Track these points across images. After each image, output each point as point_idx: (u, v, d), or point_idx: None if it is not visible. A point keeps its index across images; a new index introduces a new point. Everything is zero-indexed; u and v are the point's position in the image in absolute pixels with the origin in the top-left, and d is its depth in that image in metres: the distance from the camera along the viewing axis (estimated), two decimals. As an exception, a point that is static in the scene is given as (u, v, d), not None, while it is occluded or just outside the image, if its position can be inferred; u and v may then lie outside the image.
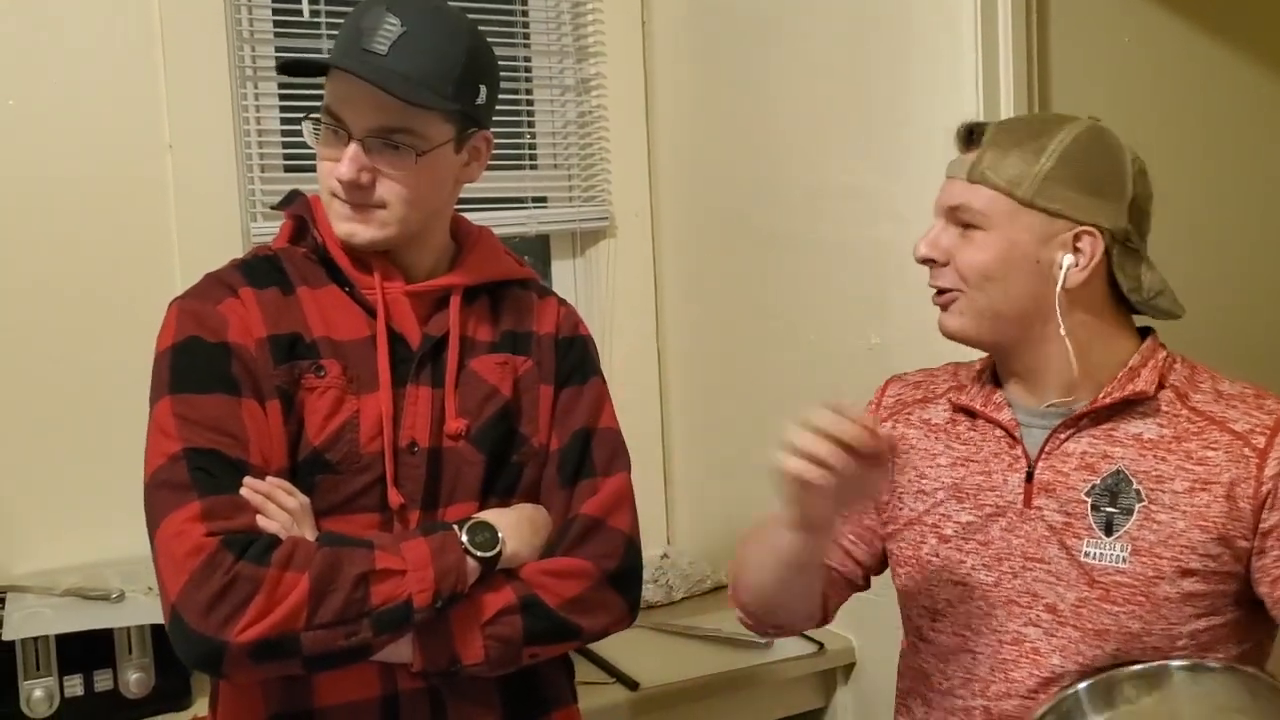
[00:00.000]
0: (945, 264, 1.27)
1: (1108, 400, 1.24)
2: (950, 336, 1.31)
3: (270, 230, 2.23)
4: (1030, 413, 1.30)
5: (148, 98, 2.16)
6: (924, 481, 1.35)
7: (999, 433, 1.31)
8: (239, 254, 2.21)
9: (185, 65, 2.18)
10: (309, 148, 2.27)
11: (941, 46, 1.89)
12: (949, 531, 1.32)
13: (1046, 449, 1.27)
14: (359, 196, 1.29)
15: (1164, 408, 1.24)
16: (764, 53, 2.29)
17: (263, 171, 2.30)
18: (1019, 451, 1.29)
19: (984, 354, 1.37)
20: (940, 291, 1.29)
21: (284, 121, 2.35)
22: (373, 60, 1.26)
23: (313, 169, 2.27)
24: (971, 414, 1.34)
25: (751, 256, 2.38)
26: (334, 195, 1.31)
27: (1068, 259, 1.22)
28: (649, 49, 2.62)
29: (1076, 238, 1.22)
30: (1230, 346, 1.43)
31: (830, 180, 2.14)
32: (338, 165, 1.28)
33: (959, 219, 1.26)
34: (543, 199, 2.60)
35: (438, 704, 1.29)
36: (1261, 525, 1.17)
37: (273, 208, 1.47)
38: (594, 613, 1.29)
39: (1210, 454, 1.20)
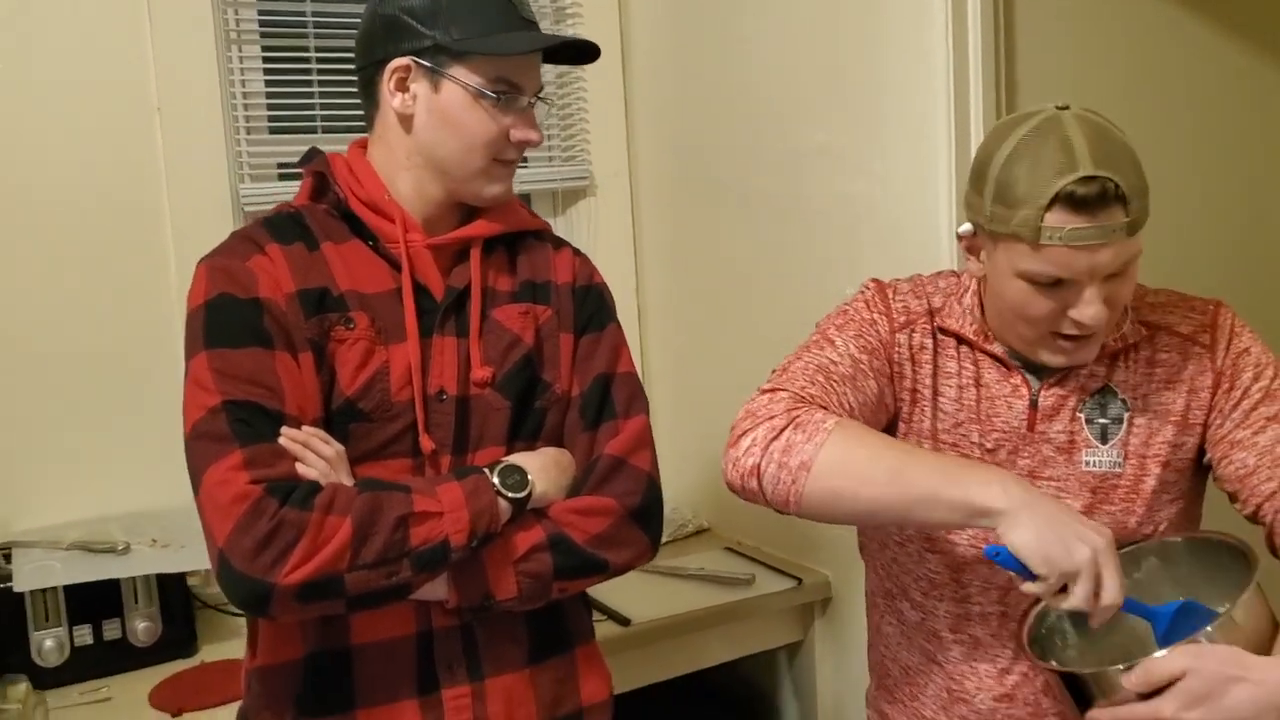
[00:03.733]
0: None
1: (1112, 349, 1.31)
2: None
3: (257, 191, 2.22)
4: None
5: (135, 61, 2.12)
6: (941, 399, 1.37)
7: (996, 360, 1.35)
8: (229, 214, 2.22)
9: (172, 28, 2.14)
10: (293, 109, 2.30)
11: (914, 6, 1.89)
12: (970, 451, 1.35)
13: (1053, 380, 1.33)
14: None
15: (1125, 327, 1.33)
16: (739, 13, 2.29)
17: (248, 133, 2.26)
18: (1018, 379, 1.34)
19: (965, 277, 1.39)
20: (1082, 336, 1.26)
21: (268, 84, 2.31)
22: (538, 27, 1.35)
23: (295, 130, 2.31)
24: (961, 340, 1.37)
25: (728, 213, 2.39)
26: (498, 159, 1.34)
27: None
28: (625, 10, 2.60)
29: None
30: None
31: (805, 138, 2.14)
32: (525, 130, 1.34)
33: (1116, 272, 1.22)
34: (523, 159, 2.58)
35: (470, 639, 1.30)
36: (1216, 403, 1.30)
37: (294, 165, 1.46)
38: (619, 548, 1.31)
39: (1166, 355, 1.32)
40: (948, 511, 1.18)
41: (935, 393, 1.36)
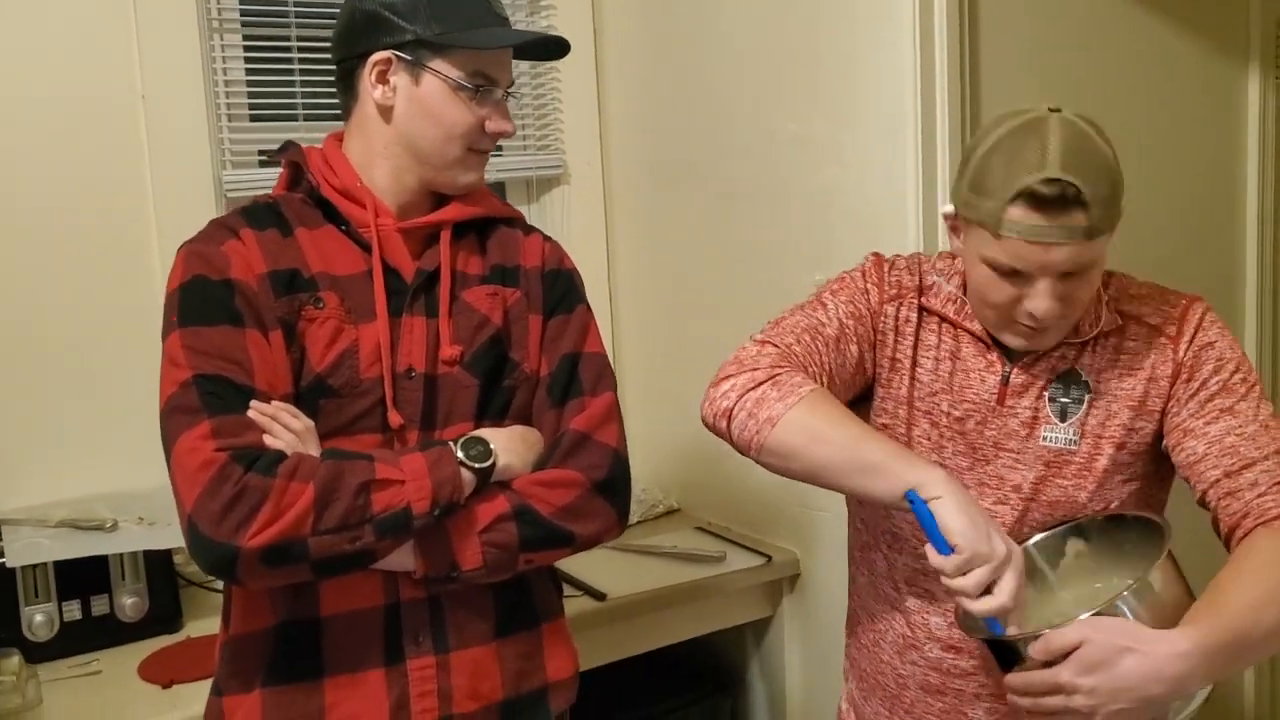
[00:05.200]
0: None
1: (1089, 336, 1.37)
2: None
3: (239, 178, 2.26)
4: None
5: (120, 49, 2.14)
6: (919, 370, 1.43)
7: (974, 337, 1.41)
8: (212, 200, 2.25)
9: (156, 16, 2.16)
10: (273, 97, 2.33)
11: (882, 3, 1.94)
12: (940, 419, 1.41)
13: (1025, 360, 1.39)
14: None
15: (1103, 318, 1.39)
16: (712, 4, 2.32)
17: (230, 120, 2.29)
18: (994, 356, 1.40)
19: (958, 260, 1.44)
20: (1039, 327, 1.32)
21: (249, 72, 2.34)
22: (510, 23, 1.40)
23: (276, 118, 2.35)
24: (942, 318, 1.43)
25: (700, 201, 2.42)
26: (473, 149, 1.38)
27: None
28: (598, 1, 2.63)
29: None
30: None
31: (778, 129, 2.18)
32: (499, 122, 1.38)
33: (1074, 272, 1.28)
34: (498, 147, 2.62)
35: (437, 612, 1.33)
36: (1175, 393, 1.35)
37: (269, 154, 1.50)
38: (585, 520, 1.33)
39: (1132, 344, 1.37)
40: (888, 482, 1.26)
41: (914, 363, 1.43)
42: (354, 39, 1.37)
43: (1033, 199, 1.23)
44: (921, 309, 1.44)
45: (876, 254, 1.51)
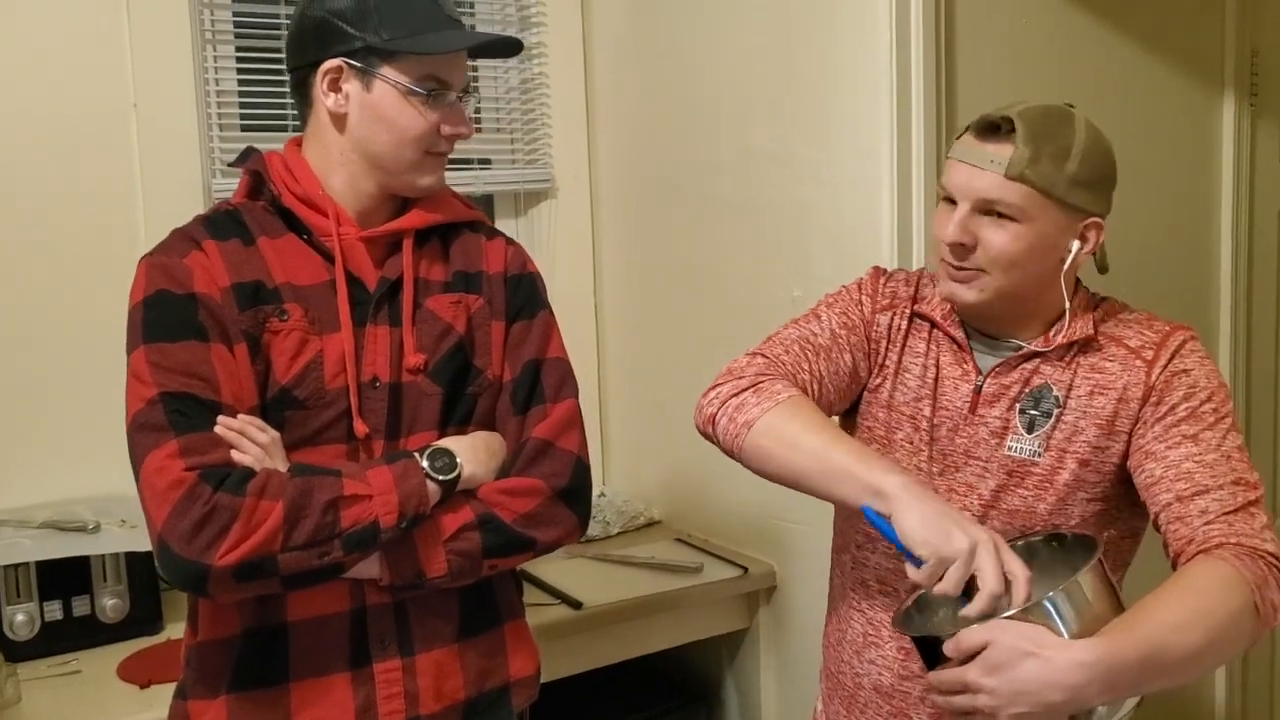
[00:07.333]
0: (972, 247, 1.35)
1: (1056, 343, 1.39)
2: (965, 307, 1.41)
3: (228, 186, 2.27)
4: (981, 338, 1.44)
5: (114, 58, 2.17)
6: (907, 375, 1.46)
7: (954, 345, 1.44)
8: (201, 208, 2.27)
9: (149, 28, 2.19)
10: (264, 107, 2.37)
11: (861, 25, 1.97)
12: (922, 423, 1.44)
13: (997, 369, 1.42)
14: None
15: (1077, 328, 1.41)
16: (697, 25, 2.35)
17: (221, 130, 2.32)
18: (970, 366, 1.43)
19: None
20: (960, 268, 1.37)
21: (241, 83, 2.38)
22: (464, 26, 1.40)
23: (267, 128, 2.39)
24: (931, 323, 1.46)
25: (684, 216, 2.45)
26: (430, 152, 1.38)
27: (1076, 244, 1.36)
28: (588, 19, 2.66)
29: (1086, 227, 1.35)
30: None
31: (759, 146, 2.21)
32: (454, 125, 1.38)
33: (990, 209, 1.33)
34: (487, 160, 2.64)
35: (402, 616, 1.35)
36: (1142, 415, 1.36)
37: (230, 164, 1.52)
38: (547, 526, 1.35)
39: (1108, 364, 1.39)
40: (852, 488, 1.28)
41: (900, 368, 1.46)
42: (305, 47, 1.37)
43: (978, 126, 1.34)
44: (914, 315, 1.48)
45: (877, 267, 1.55)
